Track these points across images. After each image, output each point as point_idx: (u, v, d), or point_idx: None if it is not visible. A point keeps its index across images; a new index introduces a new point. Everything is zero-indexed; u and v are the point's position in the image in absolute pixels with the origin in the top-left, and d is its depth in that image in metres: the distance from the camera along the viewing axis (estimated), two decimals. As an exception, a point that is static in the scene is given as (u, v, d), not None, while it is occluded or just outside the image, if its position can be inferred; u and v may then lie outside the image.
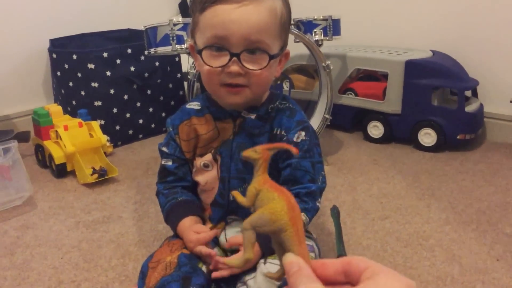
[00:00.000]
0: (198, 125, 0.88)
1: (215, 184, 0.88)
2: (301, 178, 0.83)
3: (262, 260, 0.79)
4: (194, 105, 0.91)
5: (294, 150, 0.47)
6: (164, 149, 0.92)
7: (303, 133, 0.84)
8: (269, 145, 0.45)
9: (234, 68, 0.77)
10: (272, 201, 0.38)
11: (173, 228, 0.89)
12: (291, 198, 0.39)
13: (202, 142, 0.88)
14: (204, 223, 0.89)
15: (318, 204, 0.85)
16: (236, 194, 0.43)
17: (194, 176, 0.91)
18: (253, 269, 0.79)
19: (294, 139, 0.83)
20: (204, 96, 0.91)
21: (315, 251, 0.86)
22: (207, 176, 0.88)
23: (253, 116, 0.85)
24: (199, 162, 0.88)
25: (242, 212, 0.85)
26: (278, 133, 0.84)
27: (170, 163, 0.91)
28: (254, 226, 0.38)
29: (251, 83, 0.79)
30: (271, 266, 0.76)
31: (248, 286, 0.77)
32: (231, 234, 0.87)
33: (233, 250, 0.86)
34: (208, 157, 0.87)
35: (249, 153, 0.44)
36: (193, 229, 0.84)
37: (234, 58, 0.76)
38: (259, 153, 0.43)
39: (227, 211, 0.87)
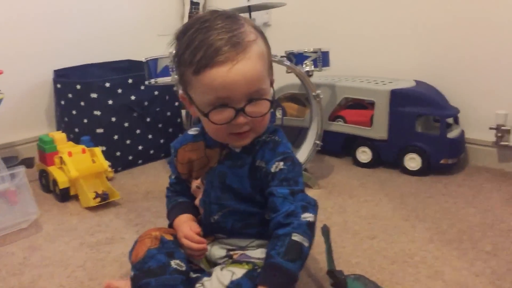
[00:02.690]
0: (191, 151, 0.96)
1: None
2: (280, 205, 0.82)
3: (219, 266, 0.88)
4: (194, 130, 0.99)
5: None
6: (169, 165, 1.04)
7: (281, 163, 0.85)
8: None
9: (241, 120, 0.82)
10: None
11: (171, 223, 0.99)
12: None
13: (196, 167, 0.97)
14: (200, 224, 0.97)
15: (307, 219, 0.80)
16: None
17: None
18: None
19: (272, 170, 0.85)
20: None
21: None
22: (199, 197, 0.97)
23: (238, 150, 0.91)
24: (193, 184, 0.98)
25: (227, 232, 0.95)
26: (258, 164, 0.88)
27: (173, 177, 1.04)
28: None
29: (255, 127, 0.85)
30: (227, 273, 0.83)
31: (204, 287, 0.85)
32: (216, 249, 0.96)
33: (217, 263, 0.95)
34: (198, 181, 0.96)
35: None
36: (189, 224, 0.94)
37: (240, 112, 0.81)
38: None
39: (212, 230, 0.96)
